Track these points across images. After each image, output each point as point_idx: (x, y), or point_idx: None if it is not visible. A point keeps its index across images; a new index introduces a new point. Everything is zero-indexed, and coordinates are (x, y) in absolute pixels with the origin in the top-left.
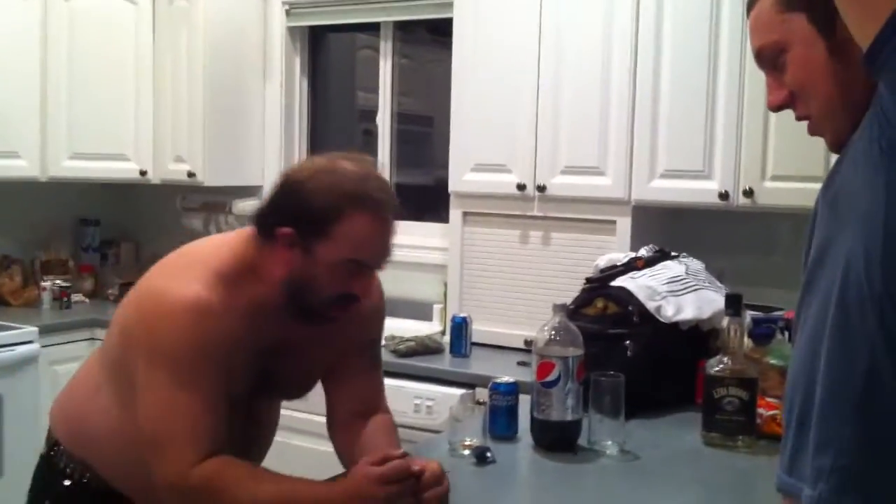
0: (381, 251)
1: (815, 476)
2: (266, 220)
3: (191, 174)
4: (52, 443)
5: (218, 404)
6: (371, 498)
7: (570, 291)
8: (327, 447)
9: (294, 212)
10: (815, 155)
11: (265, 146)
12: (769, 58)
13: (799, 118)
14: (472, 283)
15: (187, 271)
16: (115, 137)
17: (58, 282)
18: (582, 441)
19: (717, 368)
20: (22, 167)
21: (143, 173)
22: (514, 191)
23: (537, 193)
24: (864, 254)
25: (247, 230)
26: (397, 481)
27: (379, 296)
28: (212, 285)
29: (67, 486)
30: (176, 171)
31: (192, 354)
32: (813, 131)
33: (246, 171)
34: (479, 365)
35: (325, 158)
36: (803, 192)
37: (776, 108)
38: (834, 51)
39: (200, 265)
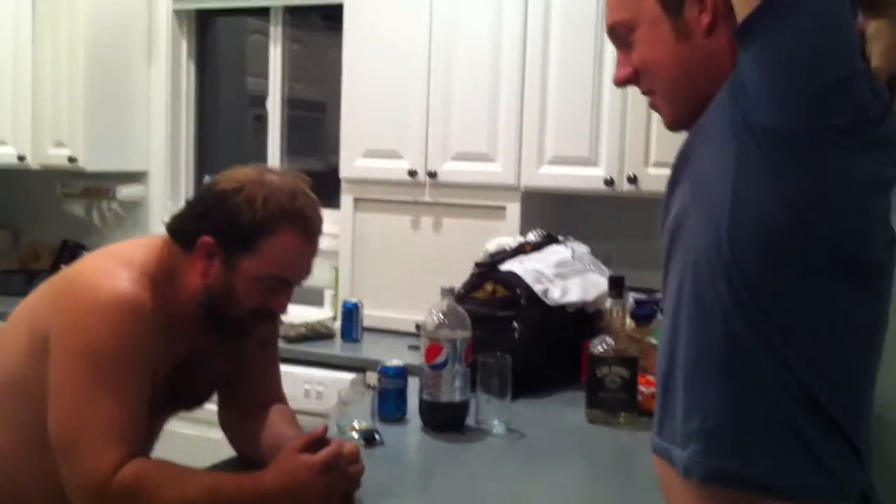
0: (305, 269)
1: (685, 439)
2: (187, 228)
3: (72, 159)
4: None
5: (139, 408)
6: (311, 487)
7: (461, 276)
8: (214, 434)
9: (220, 223)
10: None
11: (151, 131)
12: (619, 35)
13: (643, 93)
14: (363, 269)
15: (117, 269)
16: None
17: None
18: (470, 421)
19: (600, 348)
20: None
21: (21, 158)
22: (406, 177)
23: (428, 179)
24: (714, 226)
25: (164, 238)
26: (335, 466)
27: None
28: (142, 286)
29: None
30: (56, 155)
31: (119, 353)
32: (653, 106)
33: (130, 156)
34: (369, 349)
35: (254, 170)
36: None
37: (621, 83)
38: (679, 32)
39: (129, 264)
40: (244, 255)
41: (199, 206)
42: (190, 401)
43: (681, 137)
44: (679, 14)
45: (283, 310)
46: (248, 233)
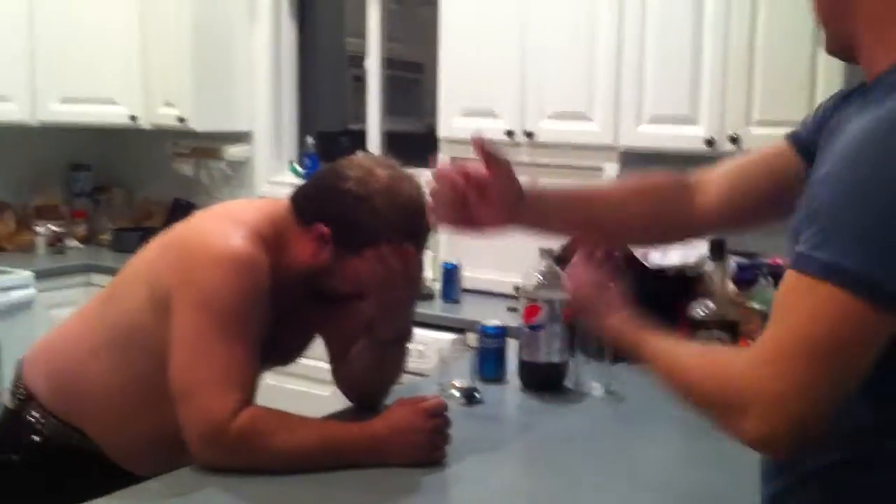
0: (406, 281)
1: None
2: (309, 207)
3: (181, 119)
4: (22, 396)
5: (255, 359)
6: (419, 430)
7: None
8: (319, 390)
9: (337, 217)
10: (800, 100)
11: (254, 91)
12: None
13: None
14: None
15: (230, 226)
16: (104, 81)
17: (51, 227)
18: (568, 383)
19: (700, 312)
20: (11, 111)
21: (133, 118)
22: (503, 137)
23: (525, 139)
24: None
25: (282, 201)
26: (440, 413)
27: None
28: (253, 242)
29: (37, 441)
30: (166, 115)
31: (238, 305)
32: (817, 25)
33: (235, 117)
34: (469, 310)
35: (385, 175)
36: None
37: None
38: None
39: (242, 223)
40: (352, 254)
41: (325, 193)
42: (285, 355)
43: (784, 94)
44: None
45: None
46: (361, 238)
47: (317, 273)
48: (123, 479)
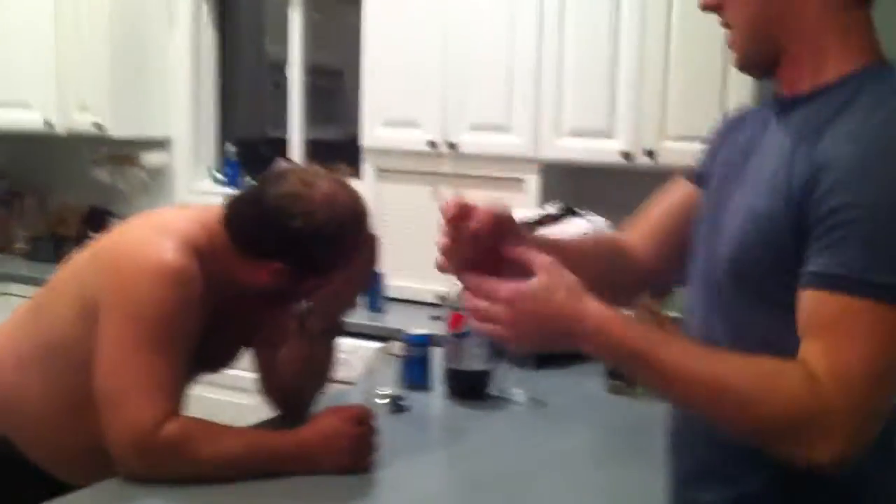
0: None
1: None
2: (254, 245)
3: (97, 125)
4: None
5: (182, 369)
6: (346, 437)
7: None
8: (243, 399)
9: (294, 258)
10: (712, 115)
11: (173, 97)
12: None
13: (722, 25)
14: (385, 239)
15: (161, 236)
16: (17, 84)
17: None
18: (492, 390)
19: None
20: None
21: (48, 123)
22: (426, 147)
23: (448, 150)
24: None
25: (213, 209)
26: (366, 420)
27: None
28: (185, 252)
29: None
30: (82, 121)
31: (168, 318)
32: (729, 43)
33: (153, 123)
34: (393, 319)
35: (324, 195)
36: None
37: (705, 8)
38: None
39: (173, 232)
40: (313, 279)
41: (272, 233)
42: (215, 363)
43: (697, 109)
44: None
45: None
46: (321, 267)
47: (273, 297)
48: (56, 487)
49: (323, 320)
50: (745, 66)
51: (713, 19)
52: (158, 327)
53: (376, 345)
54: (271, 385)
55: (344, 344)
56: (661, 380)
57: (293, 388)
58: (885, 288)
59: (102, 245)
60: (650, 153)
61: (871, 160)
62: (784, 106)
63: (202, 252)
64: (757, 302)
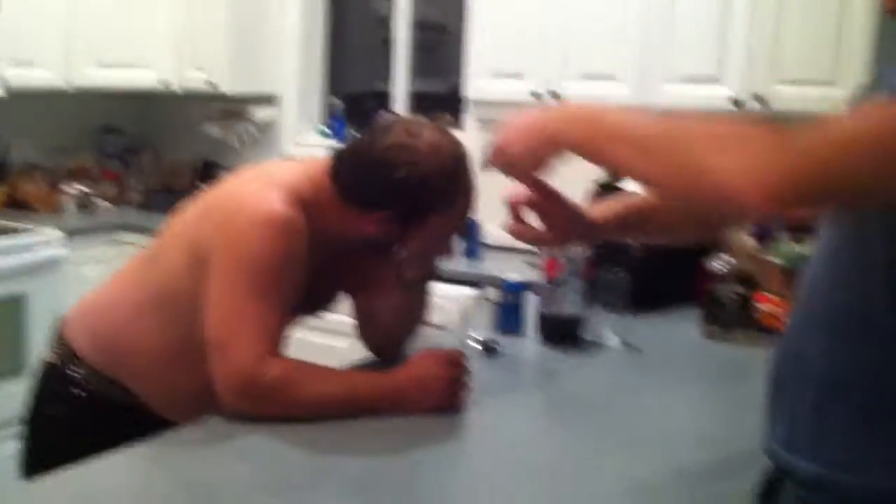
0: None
1: None
2: (360, 195)
3: (210, 83)
4: (66, 354)
5: (285, 316)
6: (438, 378)
7: (581, 194)
8: (339, 343)
9: (399, 205)
10: (827, 59)
11: (283, 54)
12: None
13: None
14: (483, 187)
15: (268, 188)
16: (135, 46)
17: (81, 188)
18: (587, 336)
19: (717, 265)
20: (45, 77)
21: (163, 82)
22: (529, 98)
23: (551, 101)
24: None
25: (319, 161)
26: (458, 364)
27: None
28: (292, 204)
29: (77, 394)
30: (196, 79)
31: (274, 268)
32: None
33: (263, 80)
34: (490, 266)
35: (428, 145)
36: (815, 97)
37: None
38: None
39: (280, 184)
40: (414, 226)
41: (378, 183)
42: (315, 306)
43: (811, 52)
44: None
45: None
46: (419, 214)
47: (379, 244)
48: (164, 427)
49: (418, 268)
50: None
51: None
52: (266, 276)
53: (473, 291)
54: (368, 330)
55: (440, 290)
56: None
57: (388, 333)
58: None
59: (212, 196)
60: (760, 98)
61: None
62: None
63: (308, 203)
64: None
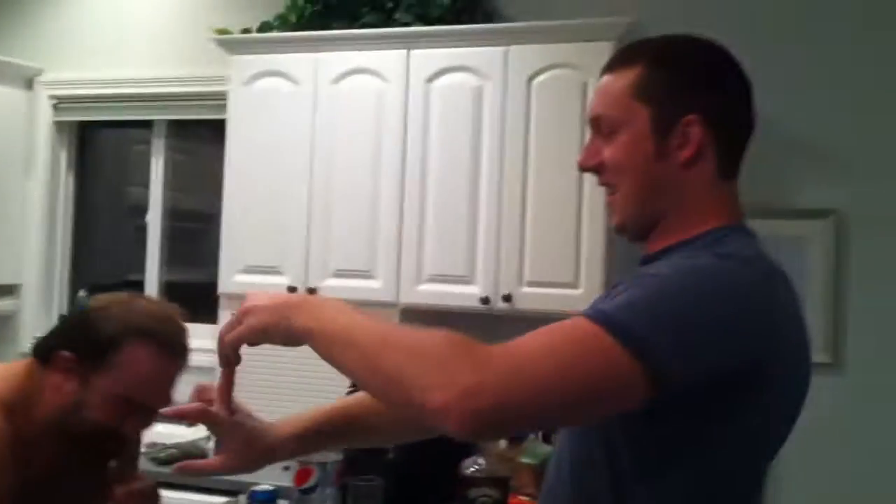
0: (159, 391)
1: None
2: (48, 344)
3: None
4: None
5: None
6: None
7: (336, 393)
8: None
9: (77, 337)
10: (567, 263)
11: (25, 243)
12: (601, 127)
13: (601, 184)
14: (238, 387)
15: None
16: None
17: None
18: None
19: (471, 469)
20: None
21: None
22: (286, 293)
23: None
24: None
25: (20, 362)
26: None
27: None
28: None
29: None
30: None
31: None
32: (609, 204)
33: (3, 269)
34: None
35: (129, 295)
36: (556, 297)
37: (586, 169)
38: (659, 153)
39: None
40: (98, 372)
41: (64, 324)
42: None
43: (552, 257)
44: (665, 138)
45: (136, 434)
46: (102, 347)
47: (68, 416)
48: None
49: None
50: (624, 228)
51: (565, 176)
52: None
53: (222, 500)
54: None
55: (190, 499)
56: (350, 335)
57: None
58: (603, 313)
59: None
60: (507, 298)
61: (683, 268)
62: (643, 262)
63: (13, 404)
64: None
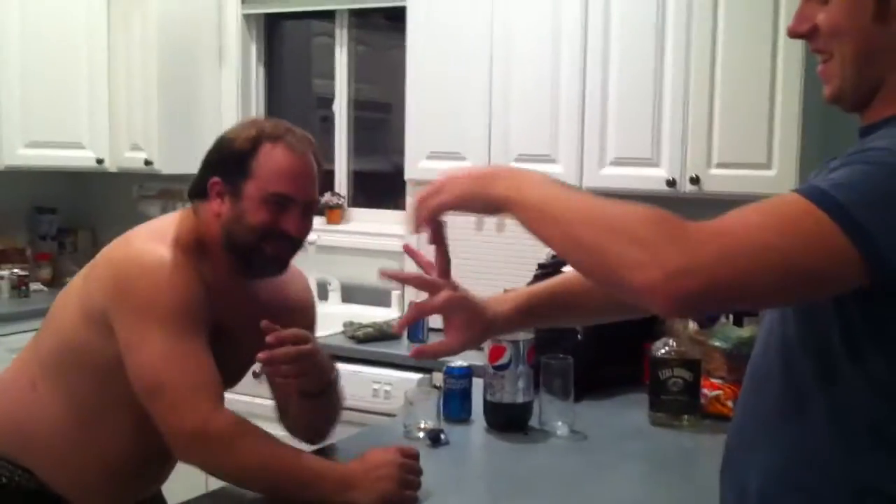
0: (301, 183)
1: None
2: (199, 181)
3: (147, 162)
4: None
5: (211, 358)
6: (390, 472)
7: (524, 277)
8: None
9: (219, 160)
10: (758, 143)
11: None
12: None
13: (813, 51)
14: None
15: (146, 240)
16: (70, 125)
17: (15, 270)
18: (533, 422)
19: (662, 350)
20: None
21: (99, 161)
22: None
23: None
24: None
25: (188, 208)
26: (413, 456)
27: (304, 289)
28: (176, 250)
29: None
30: (133, 158)
31: (177, 305)
32: (822, 72)
33: (201, 159)
34: None
35: (250, 118)
36: (747, 179)
37: (796, 35)
38: (879, 13)
39: (156, 235)
40: (244, 182)
41: (204, 160)
42: (233, 375)
43: (743, 136)
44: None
45: (294, 230)
46: (240, 158)
47: (232, 232)
48: None
49: (314, 383)
50: (840, 98)
51: (757, 47)
52: (174, 316)
53: (417, 376)
54: (286, 421)
55: (385, 375)
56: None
57: (308, 430)
58: (819, 190)
59: (98, 257)
60: (695, 180)
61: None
62: (862, 134)
63: (188, 244)
64: None
